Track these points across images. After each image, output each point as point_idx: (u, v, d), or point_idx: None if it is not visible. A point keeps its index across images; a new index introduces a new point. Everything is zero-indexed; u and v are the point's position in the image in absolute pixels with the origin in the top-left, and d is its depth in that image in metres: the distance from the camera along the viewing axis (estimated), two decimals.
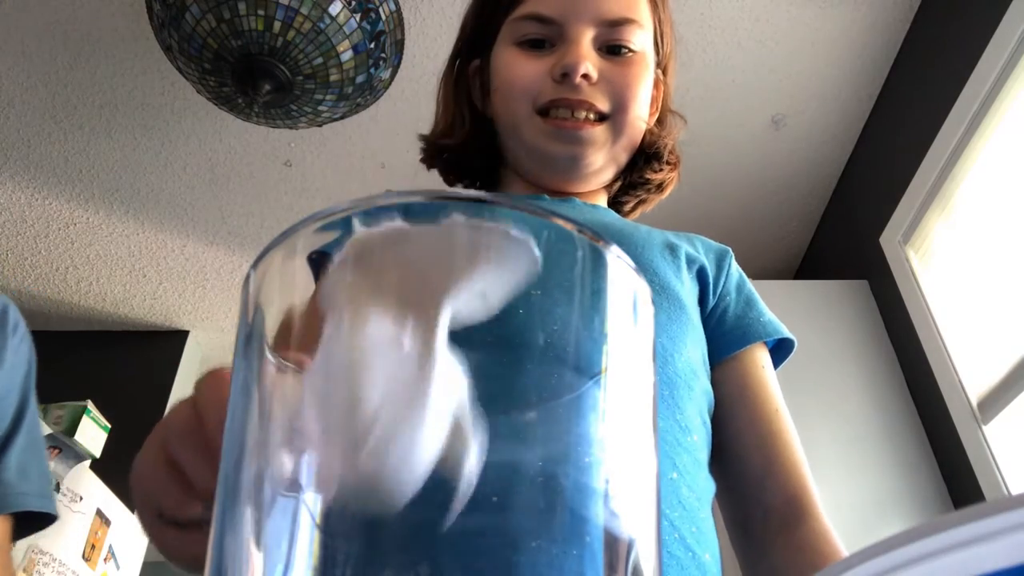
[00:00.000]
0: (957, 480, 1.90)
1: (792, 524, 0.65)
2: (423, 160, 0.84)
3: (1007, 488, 1.70)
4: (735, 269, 0.79)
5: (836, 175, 2.50)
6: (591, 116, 0.73)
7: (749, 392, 0.71)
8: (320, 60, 1.90)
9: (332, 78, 1.94)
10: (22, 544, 1.96)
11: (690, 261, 0.74)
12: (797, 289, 2.32)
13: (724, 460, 0.68)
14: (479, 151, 0.80)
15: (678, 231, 0.80)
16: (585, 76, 0.72)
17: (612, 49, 0.75)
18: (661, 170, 0.82)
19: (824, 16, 2.08)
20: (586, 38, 0.73)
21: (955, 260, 1.96)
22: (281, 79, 1.90)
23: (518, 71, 0.75)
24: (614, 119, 0.74)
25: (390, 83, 2.09)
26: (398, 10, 1.95)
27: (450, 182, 0.84)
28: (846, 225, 2.50)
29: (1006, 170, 1.79)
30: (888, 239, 2.18)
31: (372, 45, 1.93)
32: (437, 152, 0.82)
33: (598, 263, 0.23)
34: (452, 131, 0.81)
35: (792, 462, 0.68)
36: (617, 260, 0.23)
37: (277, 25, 1.82)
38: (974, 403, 1.84)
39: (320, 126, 2.19)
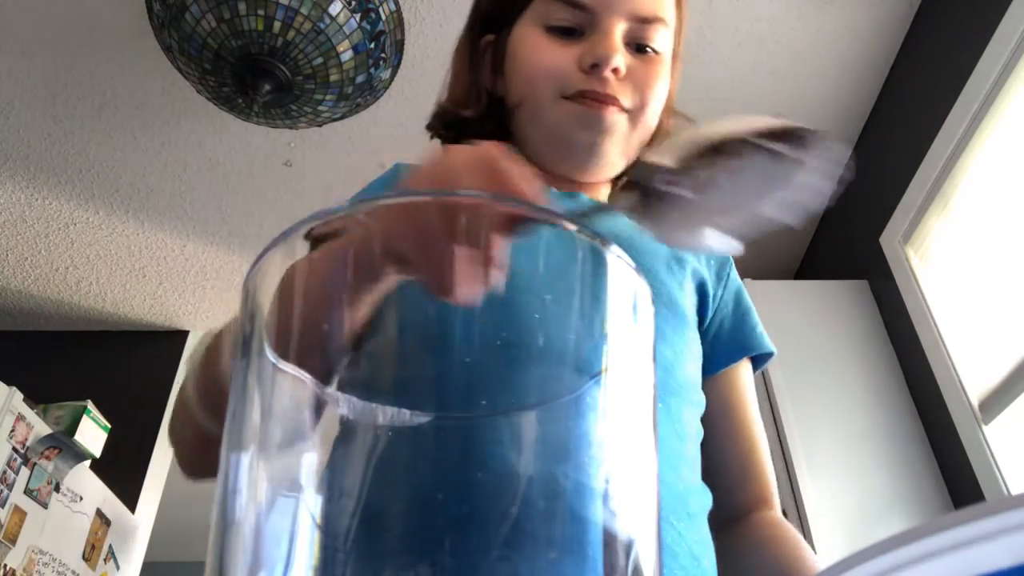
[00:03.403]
0: (957, 480, 1.90)
1: (752, 513, 0.70)
2: (430, 127, 0.82)
3: (1007, 488, 1.70)
4: (734, 278, 0.79)
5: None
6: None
7: (734, 406, 0.74)
8: (320, 60, 1.90)
9: (332, 78, 1.94)
10: (22, 544, 1.96)
11: (693, 273, 0.74)
12: (797, 289, 2.32)
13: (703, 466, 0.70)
14: (494, 129, 0.79)
15: None
16: (615, 70, 0.71)
17: (639, 47, 0.74)
18: None
19: (824, 16, 2.08)
20: (618, 31, 0.72)
21: (955, 260, 1.96)
22: (281, 79, 1.90)
23: (545, 55, 0.73)
24: (633, 115, 0.74)
25: (390, 83, 2.09)
26: (398, 10, 1.95)
27: None
28: (846, 225, 2.50)
29: (1006, 170, 1.79)
30: (888, 239, 2.18)
31: (372, 45, 1.93)
32: (453, 123, 0.80)
33: (598, 263, 0.23)
34: (468, 103, 0.80)
35: (764, 471, 0.73)
36: (617, 260, 0.23)
37: (277, 25, 1.82)
38: (975, 403, 1.84)
39: (320, 126, 2.19)
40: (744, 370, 0.76)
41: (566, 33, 0.74)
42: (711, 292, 0.75)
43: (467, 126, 0.79)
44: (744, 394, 0.75)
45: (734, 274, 0.79)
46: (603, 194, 0.81)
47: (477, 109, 0.79)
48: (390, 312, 0.28)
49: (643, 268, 0.72)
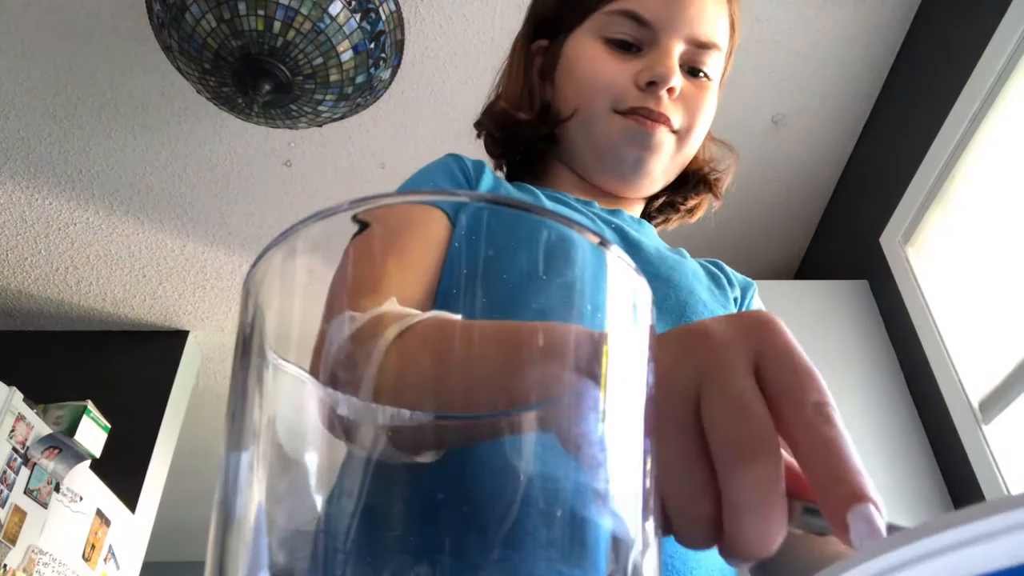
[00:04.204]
0: (957, 480, 1.90)
1: None
2: (480, 125, 0.83)
3: (1007, 488, 1.70)
4: (756, 304, 0.80)
5: (836, 175, 2.50)
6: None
7: None
8: (320, 60, 1.90)
9: (332, 78, 1.94)
10: (22, 544, 1.96)
11: (731, 294, 0.76)
12: (797, 289, 2.32)
13: None
14: (546, 135, 0.79)
15: (705, 255, 0.82)
16: (670, 90, 0.72)
17: (692, 70, 0.75)
18: (703, 194, 0.84)
19: (824, 16, 2.08)
20: (676, 51, 0.73)
21: (955, 260, 1.96)
22: (281, 79, 1.90)
23: (602, 67, 0.73)
24: (681, 137, 0.75)
25: (390, 83, 2.09)
26: (398, 10, 1.95)
27: (495, 155, 0.83)
28: (846, 225, 2.50)
29: (1006, 170, 1.79)
30: (888, 239, 2.18)
31: (372, 45, 1.93)
32: (507, 122, 0.80)
33: (598, 263, 0.23)
34: (521, 106, 0.79)
35: None
36: (617, 260, 0.23)
37: (277, 25, 1.82)
38: (975, 403, 1.84)
39: (320, 126, 2.19)
40: None
41: (624, 47, 0.74)
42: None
43: (520, 129, 0.79)
44: None
45: (757, 299, 0.80)
46: (637, 211, 0.82)
47: (530, 113, 0.79)
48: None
49: (689, 296, 0.72)
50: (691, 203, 0.84)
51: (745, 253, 2.68)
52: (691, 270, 0.73)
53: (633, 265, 0.24)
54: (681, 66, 0.74)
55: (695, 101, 0.74)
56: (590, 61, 0.75)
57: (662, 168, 0.76)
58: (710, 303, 0.70)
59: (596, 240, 0.23)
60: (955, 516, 0.14)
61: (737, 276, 0.81)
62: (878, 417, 2.04)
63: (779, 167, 2.47)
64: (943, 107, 1.94)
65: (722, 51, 0.77)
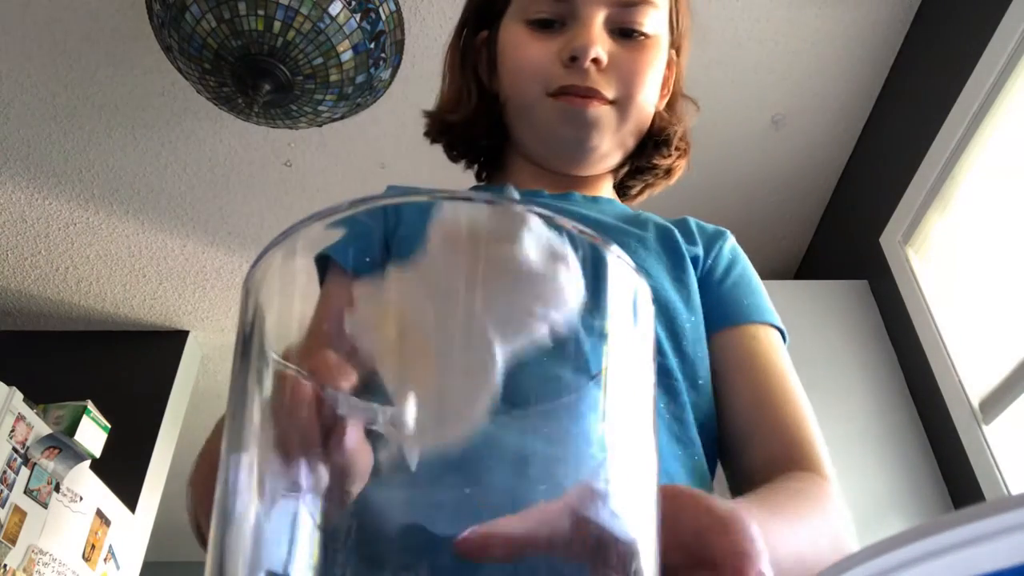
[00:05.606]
0: (957, 480, 1.90)
1: (780, 471, 0.61)
2: (427, 134, 0.82)
3: (1007, 488, 1.70)
4: (727, 251, 0.76)
5: (836, 175, 2.50)
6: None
7: (733, 366, 0.68)
8: (320, 60, 1.90)
9: (332, 78, 1.94)
10: (22, 544, 1.96)
11: (690, 256, 0.72)
12: (797, 289, 2.32)
13: (721, 442, 0.66)
14: (486, 129, 0.78)
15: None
16: (595, 61, 0.69)
17: (625, 32, 0.72)
18: (669, 156, 0.79)
19: (824, 16, 2.08)
20: (598, 19, 0.70)
21: (955, 260, 1.96)
22: (281, 79, 1.90)
23: (527, 52, 0.72)
24: (620, 105, 0.72)
25: (390, 83, 2.08)
26: (398, 10, 1.95)
27: (454, 159, 0.82)
28: (846, 225, 2.50)
29: (1006, 170, 1.79)
30: (888, 239, 2.18)
31: (372, 45, 1.93)
32: (443, 128, 0.79)
33: (598, 263, 0.23)
34: (458, 106, 0.78)
35: (782, 428, 0.63)
36: (617, 260, 0.23)
37: (277, 25, 1.82)
38: (975, 403, 1.84)
39: (320, 126, 2.19)
40: (743, 332, 0.69)
41: (546, 26, 0.72)
42: (700, 263, 0.72)
43: (457, 131, 0.78)
44: (745, 354, 0.68)
45: (727, 246, 0.76)
46: (606, 186, 0.80)
47: (467, 111, 0.77)
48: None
49: (642, 269, 0.70)
50: (662, 165, 0.79)
51: (745, 253, 2.67)
52: (636, 241, 0.70)
53: (633, 265, 0.24)
54: (612, 31, 0.71)
55: (629, 64, 0.71)
56: (514, 47, 0.73)
57: (609, 142, 0.73)
58: (664, 281, 0.67)
59: (586, 235, 0.23)
60: (955, 516, 0.14)
61: (705, 229, 0.77)
62: (878, 417, 2.04)
63: (779, 167, 2.47)
64: (943, 107, 1.94)
65: (656, 4, 0.73)
